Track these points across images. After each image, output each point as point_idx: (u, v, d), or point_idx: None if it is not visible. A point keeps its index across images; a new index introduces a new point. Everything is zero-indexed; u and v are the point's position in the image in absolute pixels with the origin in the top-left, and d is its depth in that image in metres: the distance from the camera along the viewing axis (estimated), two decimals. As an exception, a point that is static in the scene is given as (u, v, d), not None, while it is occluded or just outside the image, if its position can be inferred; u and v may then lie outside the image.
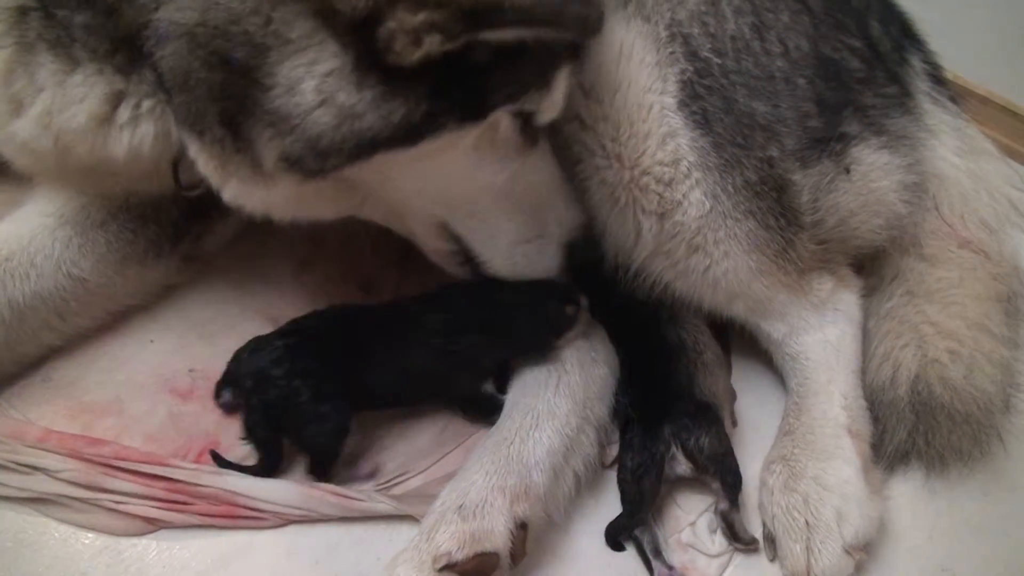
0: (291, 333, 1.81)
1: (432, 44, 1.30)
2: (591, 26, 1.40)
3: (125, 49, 1.48)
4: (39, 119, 1.60)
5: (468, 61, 1.37)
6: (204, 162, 1.51)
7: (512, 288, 1.85)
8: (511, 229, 1.77)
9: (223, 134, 1.45)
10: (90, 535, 1.69)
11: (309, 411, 1.72)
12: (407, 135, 1.41)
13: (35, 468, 1.70)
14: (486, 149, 1.61)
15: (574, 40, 1.55)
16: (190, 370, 1.92)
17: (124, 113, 1.56)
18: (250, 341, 1.82)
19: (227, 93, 1.41)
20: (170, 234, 1.92)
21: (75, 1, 1.49)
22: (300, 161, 1.43)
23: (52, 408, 1.83)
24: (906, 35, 2.15)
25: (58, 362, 1.90)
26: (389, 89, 1.37)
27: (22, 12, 1.54)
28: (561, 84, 1.58)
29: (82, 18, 1.49)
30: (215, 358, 1.90)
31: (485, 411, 1.91)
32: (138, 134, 1.56)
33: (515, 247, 1.80)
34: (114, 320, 1.95)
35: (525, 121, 1.61)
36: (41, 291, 1.81)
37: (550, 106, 1.60)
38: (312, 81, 1.36)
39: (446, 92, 1.39)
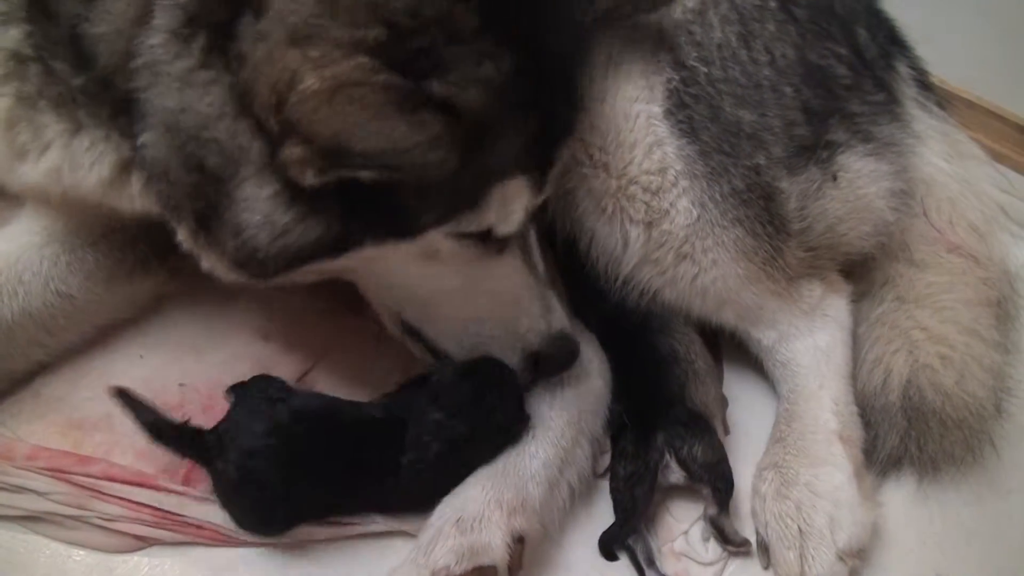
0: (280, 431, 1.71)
1: (310, 176, 1.32)
2: (433, 174, 1.35)
3: (127, 114, 1.47)
4: (48, 173, 1.61)
5: (367, 187, 1.37)
6: (183, 240, 1.54)
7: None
8: (467, 328, 1.77)
9: (196, 228, 1.48)
10: (81, 552, 1.68)
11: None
12: (330, 249, 1.44)
13: (24, 488, 1.69)
14: (434, 258, 1.60)
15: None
16: (180, 384, 1.90)
17: (137, 183, 1.55)
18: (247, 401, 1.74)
19: (200, 195, 1.43)
20: (158, 250, 1.91)
21: (71, 58, 1.48)
22: (245, 267, 1.48)
23: (43, 424, 1.81)
24: (893, 41, 2.15)
25: (48, 378, 1.89)
26: (310, 209, 1.39)
27: (19, 61, 1.54)
28: (504, 201, 1.55)
29: (79, 81, 1.49)
30: (205, 372, 1.90)
31: None
32: (150, 197, 1.55)
33: (473, 341, 1.78)
34: (103, 335, 1.94)
35: (483, 235, 1.60)
36: (29, 308, 1.81)
37: (501, 222, 1.59)
38: (261, 200, 1.39)
39: (357, 213, 1.41)
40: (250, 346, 1.99)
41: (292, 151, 1.30)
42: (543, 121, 1.50)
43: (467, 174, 1.40)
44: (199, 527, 1.72)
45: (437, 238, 1.54)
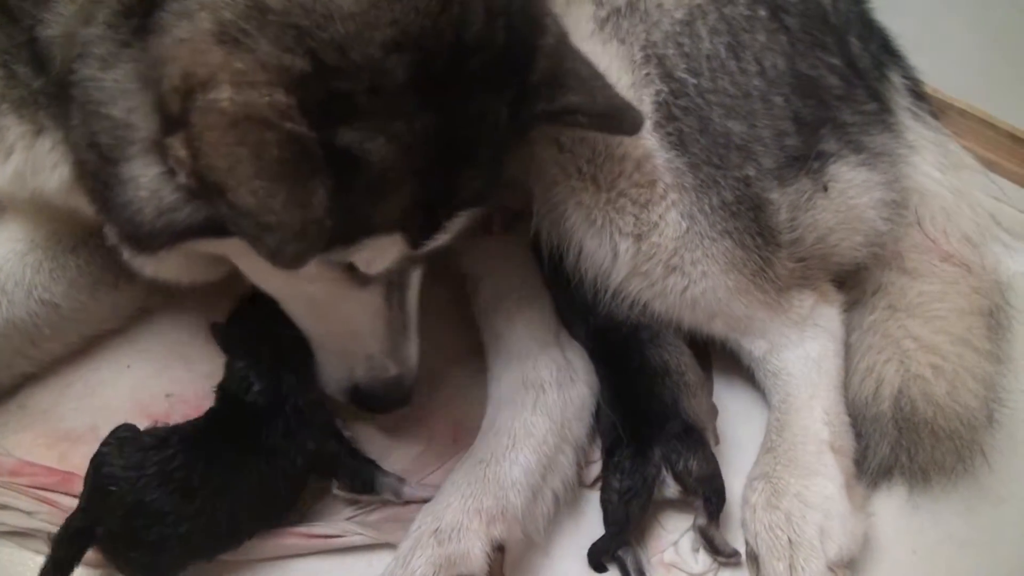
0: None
1: (182, 178, 1.31)
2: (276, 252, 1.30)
3: None
4: (13, 178, 1.62)
5: None
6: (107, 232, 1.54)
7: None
8: (313, 334, 1.77)
9: (100, 209, 1.48)
10: None
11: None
12: (214, 230, 1.41)
13: (7, 506, 1.69)
14: (297, 276, 1.55)
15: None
16: (167, 395, 1.91)
17: None
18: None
19: (98, 173, 1.43)
20: None
21: (31, 60, 1.49)
22: (133, 242, 1.47)
23: (29, 436, 1.82)
24: (886, 51, 2.15)
25: (34, 389, 1.89)
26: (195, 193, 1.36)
27: None
28: (376, 249, 1.53)
29: (39, 83, 1.50)
30: (192, 382, 1.91)
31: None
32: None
33: (320, 350, 1.79)
34: (90, 345, 1.94)
35: (350, 265, 1.58)
36: (13, 318, 1.81)
37: (366, 265, 1.57)
38: (150, 176, 1.37)
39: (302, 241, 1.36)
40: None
41: (178, 148, 1.27)
42: (441, 190, 1.49)
43: (348, 224, 1.38)
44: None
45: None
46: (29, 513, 1.68)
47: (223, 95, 1.21)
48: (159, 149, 1.33)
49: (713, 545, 1.80)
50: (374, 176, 1.35)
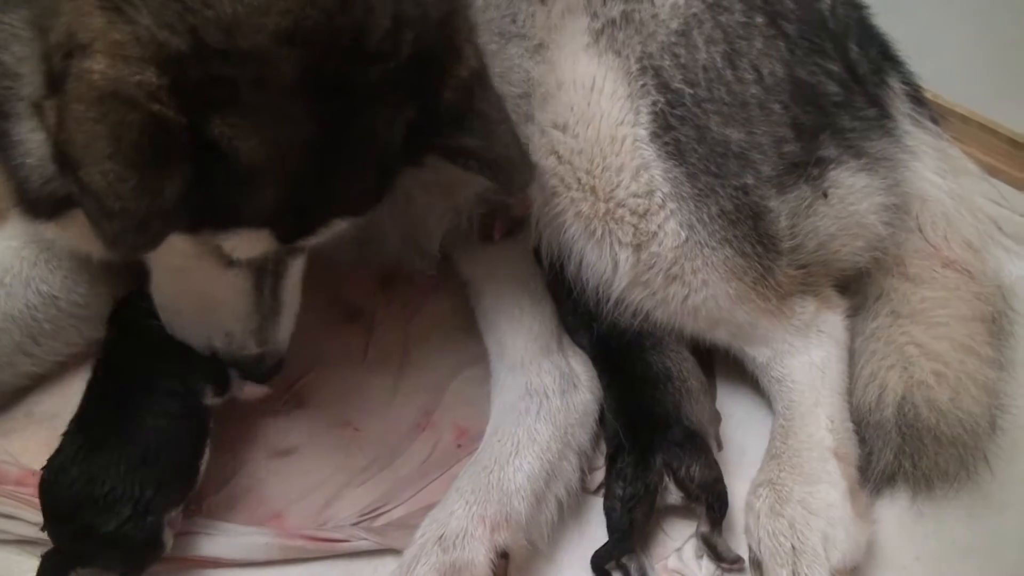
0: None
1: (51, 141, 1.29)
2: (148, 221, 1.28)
3: None
4: None
5: None
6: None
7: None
8: (172, 302, 1.72)
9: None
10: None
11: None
12: None
13: (10, 517, 1.71)
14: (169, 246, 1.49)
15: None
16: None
17: None
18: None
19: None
20: None
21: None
22: (24, 208, 1.49)
23: (35, 442, 1.82)
24: (885, 56, 2.15)
25: (39, 396, 1.91)
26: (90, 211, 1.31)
27: None
28: (244, 240, 1.48)
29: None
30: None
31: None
32: None
33: (169, 314, 1.74)
34: (93, 349, 1.93)
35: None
36: (11, 311, 1.83)
37: (232, 250, 1.52)
38: (35, 142, 1.37)
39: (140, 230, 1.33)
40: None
41: (49, 113, 1.25)
42: (315, 197, 1.45)
43: (213, 214, 1.37)
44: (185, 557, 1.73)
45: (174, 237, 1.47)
46: (35, 523, 1.68)
47: (96, 66, 1.19)
48: (39, 112, 1.31)
49: (716, 552, 1.80)
50: (240, 174, 1.32)
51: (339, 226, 1.55)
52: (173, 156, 1.23)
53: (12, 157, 1.41)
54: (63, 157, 1.23)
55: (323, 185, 1.42)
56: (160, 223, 1.25)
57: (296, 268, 1.69)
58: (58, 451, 1.66)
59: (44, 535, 1.66)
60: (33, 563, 1.66)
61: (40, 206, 1.45)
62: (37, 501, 1.67)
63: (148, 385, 1.74)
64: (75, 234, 1.61)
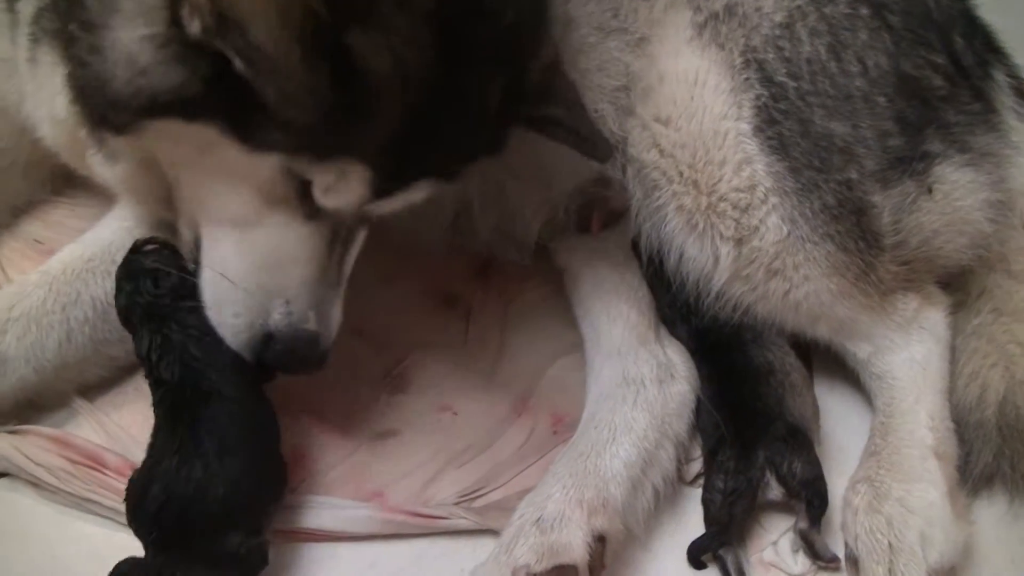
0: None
1: (195, 25, 1.31)
2: (292, 111, 1.33)
3: None
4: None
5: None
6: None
7: None
8: (229, 265, 1.63)
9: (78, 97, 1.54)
10: None
11: None
12: (184, 107, 1.41)
13: (110, 508, 1.75)
14: (252, 181, 1.54)
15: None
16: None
17: None
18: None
19: (76, 43, 1.48)
20: None
21: None
22: (93, 105, 1.51)
23: (143, 416, 1.83)
24: (990, 48, 2.10)
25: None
26: (179, 55, 1.36)
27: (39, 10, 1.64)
28: (340, 176, 1.47)
29: None
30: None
31: None
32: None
33: (221, 287, 1.64)
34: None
35: (304, 187, 1.52)
36: None
37: (327, 190, 1.50)
38: (130, 40, 1.39)
39: (222, 87, 1.37)
40: (344, 344, 2.02)
41: None
42: (420, 141, 1.45)
43: (328, 132, 1.38)
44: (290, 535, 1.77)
45: (269, 161, 1.48)
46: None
47: None
48: (150, 12, 1.35)
49: (813, 549, 1.80)
50: (367, 91, 1.34)
51: (426, 189, 1.56)
52: (322, 48, 1.28)
53: (96, 67, 1.44)
54: (225, 22, 1.28)
55: (428, 132, 1.45)
56: (319, 102, 1.30)
57: (359, 242, 1.67)
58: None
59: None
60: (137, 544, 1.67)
61: (121, 109, 1.45)
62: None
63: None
64: (126, 173, 1.69)
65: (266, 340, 1.63)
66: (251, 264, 1.61)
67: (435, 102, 1.41)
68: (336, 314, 1.67)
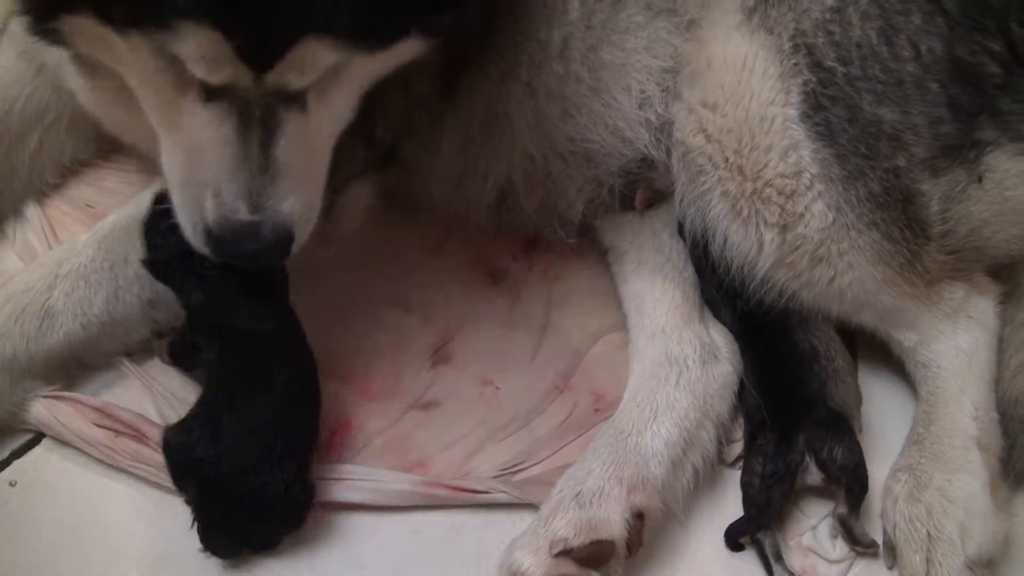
0: None
1: None
2: None
3: None
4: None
5: None
6: None
7: None
8: (170, 165, 1.59)
9: None
10: None
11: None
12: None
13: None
14: (142, 70, 1.49)
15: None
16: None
17: None
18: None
19: None
20: None
21: None
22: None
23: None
24: (1047, 37, 2.06)
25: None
26: None
27: None
28: (198, 47, 1.37)
29: None
30: (346, 340, 1.99)
31: None
32: None
33: (173, 188, 1.61)
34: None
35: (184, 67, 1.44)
36: None
37: (195, 62, 1.41)
38: None
39: None
40: (391, 316, 2.07)
41: None
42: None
43: None
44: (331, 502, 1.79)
45: (136, 44, 1.43)
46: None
47: None
48: None
49: (852, 535, 1.80)
50: None
51: (323, 53, 1.43)
52: None
53: None
54: None
55: None
56: None
57: (296, 126, 1.52)
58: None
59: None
60: (180, 504, 1.72)
61: (31, 8, 1.49)
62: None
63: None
64: (101, 99, 1.73)
65: (208, 235, 1.58)
66: (178, 162, 1.58)
67: None
68: (280, 200, 1.54)
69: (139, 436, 1.81)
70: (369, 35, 1.46)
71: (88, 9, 1.42)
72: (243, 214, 1.53)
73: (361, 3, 1.41)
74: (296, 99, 1.50)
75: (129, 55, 1.47)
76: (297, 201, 1.56)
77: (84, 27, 1.47)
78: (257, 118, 1.49)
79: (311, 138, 1.57)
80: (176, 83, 1.48)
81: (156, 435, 1.77)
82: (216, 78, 1.43)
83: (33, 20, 1.53)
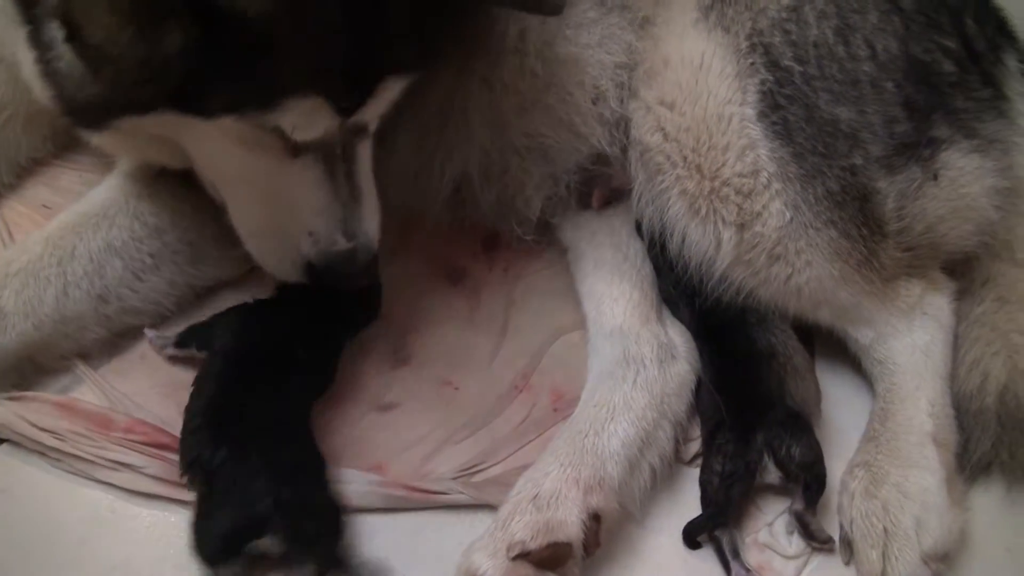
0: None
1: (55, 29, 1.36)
2: (162, 76, 1.36)
3: None
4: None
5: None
6: None
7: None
8: (249, 218, 1.73)
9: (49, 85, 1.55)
10: (180, 512, 1.72)
11: None
12: (128, 107, 1.45)
13: (121, 464, 1.76)
14: (230, 141, 1.57)
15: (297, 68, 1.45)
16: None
17: None
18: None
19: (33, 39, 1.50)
20: None
21: None
22: (74, 117, 1.54)
23: (147, 384, 1.88)
24: (1002, 33, 2.08)
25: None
26: (97, 62, 1.40)
27: None
28: (301, 113, 1.49)
29: None
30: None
31: None
32: None
33: (252, 237, 1.75)
34: (202, 300, 1.99)
35: (279, 130, 1.54)
36: (115, 241, 1.86)
37: (294, 129, 1.52)
38: (60, 42, 1.42)
39: (148, 80, 1.39)
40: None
41: None
42: (358, 53, 1.45)
43: (250, 79, 1.40)
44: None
45: (229, 123, 1.51)
46: (140, 468, 1.75)
47: None
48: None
49: (808, 530, 1.80)
50: (256, 33, 1.34)
51: (394, 89, 1.58)
52: (167, 11, 1.30)
53: (51, 63, 1.47)
54: (70, 28, 1.32)
55: (360, 39, 1.44)
56: (162, 67, 1.31)
57: (365, 152, 1.69)
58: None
59: (150, 489, 1.74)
60: (140, 510, 1.74)
61: (84, 115, 1.50)
62: (144, 447, 1.75)
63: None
64: (118, 143, 1.71)
65: (309, 269, 1.71)
66: (264, 214, 1.69)
67: (352, 12, 1.40)
68: (368, 225, 1.71)
69: (105, 430, 1.79)
70: (426, 64, 1.62)
71: (168, 107, 1.45)
72: (341, 244, 1.69)
73: (422, 39, 1.54)
74: (364, 128, 1.64)
75: (215, 135, 1.53)
76: (375, 219, 1.72)
77: (159, 120, 1.50)
78: (339, 156, 1.64)
79: (369, 158, 1.71)
80: (258, 147, 1.56)
81: (124, 423, 1.78)
82: (313, 135, 1.55)
83: (92, 121, 1.55)
